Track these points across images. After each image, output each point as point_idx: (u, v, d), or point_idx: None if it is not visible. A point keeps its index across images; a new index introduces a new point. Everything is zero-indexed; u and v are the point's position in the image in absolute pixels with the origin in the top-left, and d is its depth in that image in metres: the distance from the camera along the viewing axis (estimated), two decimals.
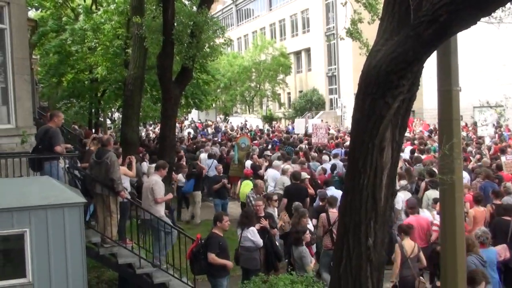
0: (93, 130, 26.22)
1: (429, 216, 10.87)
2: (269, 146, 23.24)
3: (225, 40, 16.54)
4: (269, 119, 55.28)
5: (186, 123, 48.16)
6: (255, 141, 25.08)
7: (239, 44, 73.17)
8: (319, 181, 14.42)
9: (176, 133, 22.57)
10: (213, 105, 41.38)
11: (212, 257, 8.69)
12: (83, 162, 10.83)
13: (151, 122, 41.30)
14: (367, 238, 4.75)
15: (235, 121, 45.80)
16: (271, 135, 31.33)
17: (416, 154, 17.81)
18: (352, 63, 45.64)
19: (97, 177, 9.56)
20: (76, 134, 22.21)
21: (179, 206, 16.72)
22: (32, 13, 26.00)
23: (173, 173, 16.05)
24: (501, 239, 9.50)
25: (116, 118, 35.96)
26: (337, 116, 49.02)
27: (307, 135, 27.89)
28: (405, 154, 17.63)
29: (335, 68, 54.00)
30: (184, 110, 29.11)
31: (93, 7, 23.92)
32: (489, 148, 19.70)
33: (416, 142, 21.73)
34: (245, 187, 14.74)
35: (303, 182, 13.08)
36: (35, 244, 7.00)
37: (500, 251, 9.05)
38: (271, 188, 14.33)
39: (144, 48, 16.45)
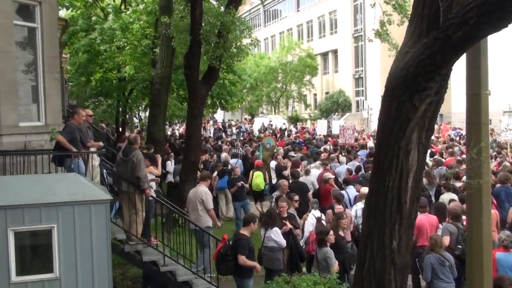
0: (120, 129, 26.50)
1: None
2: (290, 147, 23.23)
3: (252, 41, 16.55)
4: (294, 120, 55.14)
5: (211, 122, 48.33)
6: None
7: (266, 45, 73.23)
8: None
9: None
10: (239, 105, 41.44)
11: (243, 259, 8.66)
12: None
13: (176, 121, 41.45)
14: (391, 241, 4.71)
15: (260, 121, 45.84)
16: (292, 136, 31.39)
17: (437, 157, 17.66)
18: (379, 65, 45.32)
19: (123, 175, 9.68)
20: (104, 132, 22.50)
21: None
22: (63, 13, 26.32)
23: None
24: None
25: (142, 117, 36.29)
26: (363, 118, 48.72)
27: (330, 136, 27.91)
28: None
29: (362, 70, 53.69)
30: (210, 110, 29.21)
31: (122, 6, 24.12)
32: None
33: (439, 146, 21.51)
34: (257, 178, 15.62)
35: (328, 183, 13.30)
36: (62, 240, 7.10)
37: None
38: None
39: (172, 47, 16.56)
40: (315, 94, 62.12)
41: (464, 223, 10.32)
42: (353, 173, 15.30)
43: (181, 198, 13.47)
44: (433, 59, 4.20)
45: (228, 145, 23.30)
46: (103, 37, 21.50)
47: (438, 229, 10.31)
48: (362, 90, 53.88)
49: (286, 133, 35.58)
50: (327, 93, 58.77)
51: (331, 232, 9.53)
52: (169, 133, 30.89)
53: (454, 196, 11.73)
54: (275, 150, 19.43)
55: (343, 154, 19.48)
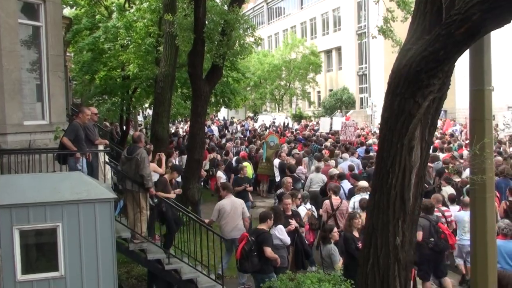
0: (124, 127, 26.54)
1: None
2: (293, 144, 23.37)
3: (255, 40, 16.55)
4: (298, 117, 55.09)
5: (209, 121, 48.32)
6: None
7: (270, 43, 73.11)
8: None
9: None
10: (243, 103, 41.42)
11: (270, 251, 8.86)
12: (157, 190, 10.84)
13: (179, 120, 41.40)
14: (395, 237, 4.72)
15: (263, 119, 45.80)
16: (294, 132, 31.54)
17: (433, 153, 17.78)
18: (383, 62, 45.17)
19: (128, 173, 9.71)
20: (108, 131, 22.54)
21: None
22: (67, 11, 26.38)
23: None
24: None
25: (146, 115, 36.31)
26: (367, 115, 48.61)
27: (332, 133, 28.01)
28: None
29: (366, 67, 53.54)
30: (214, 108, 29.24)
31: (126, 5, 24.14)
32: None
33: (437, 141, 21.61)
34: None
35: (333, 179, 13.77)
36: (67, 238, 7.14)
37: None
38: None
39: (175, 46, 16.58)
40: (318, 92, 62.01)
41: (437, 214, 10.73)
42: (354, 169, 15.55)
43: (185, 196, 13.50)
44: (436, 56, 4.20)
45: (230, 143, 23.45)
46: (107, 35, 21.53)
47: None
48: (366, 87, 53.74)
49: (287, 129, 35.67)
50: (330, 90, 58.61)
51: (335, 229, 9.56)
52: (172, 131, 30.93)
53: (453, 190, 12.53)
54: (279, 148, 19.47)
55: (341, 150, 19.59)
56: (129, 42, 21.31)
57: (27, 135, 10.48)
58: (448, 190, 12.52)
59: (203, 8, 13.95)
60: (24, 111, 10.68)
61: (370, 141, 23.30)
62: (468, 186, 12.62)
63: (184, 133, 29.70)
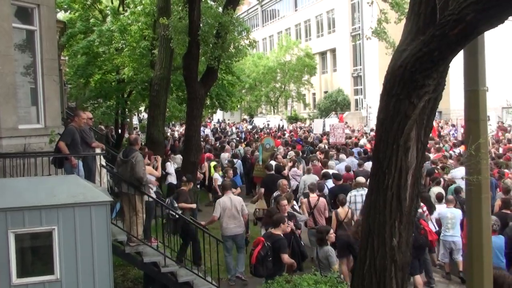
0: (120, 131, 26.51)
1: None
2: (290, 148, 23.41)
3: (250, 42, 16.57)
4: (294, 119, 55.18)
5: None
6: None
7: (264, 45, 73.26)
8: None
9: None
10: (238, 106, 41.50)
11: (287, 257, 8.90)
12: (179, 202, 11.31)
13: (173, 122, 41.33)
14: (392, 238, 4.73)
15: (259, 121, 45.84)
16: (286, 135, 31.63)
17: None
18: (378, 64, 45.34)
19: (123, 176, 9.69)
20: (103, 134, 22.51)
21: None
22: (61, 15, 26.36)
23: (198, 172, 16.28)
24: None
25: (141, 118, 36.25)
26: (362, 116, 48.75)
27: (325, 134, 28.16)
28: None
29: (360, 69, 53.72)
30: (209, 111, 29.26)
31: (121, 8, 24.15)
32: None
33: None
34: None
35: (330, 178, 14.05)
36: (63, 242, 7.12)
37: None
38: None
39: (170, 49, 16.59)
40: (314, 94, 62.15)
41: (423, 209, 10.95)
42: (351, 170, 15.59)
43: None
44: (430, 56, 4.21)
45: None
46: (102, 39, 21.52)
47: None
48: (361, 89, 53.92)
49: (279, 132, 35.74)
50: (326, 92, 58.78)
51: (331, 231, 9.55)
52: (168, 134, 30.92)
53: (441, 190, 12.74)
54: (274, 150, 19.46)
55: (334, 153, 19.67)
56: (124, 46, 21.33)
57: (22, 139, 10.45)
58: (435, 190, 12.72)
59: (197, 11, 13.98)
60: (19, 115, 10.66)
61: (361, 142, 23.52)
62: (453, 185, 12.86)
63: (179, 136, 29.69)
